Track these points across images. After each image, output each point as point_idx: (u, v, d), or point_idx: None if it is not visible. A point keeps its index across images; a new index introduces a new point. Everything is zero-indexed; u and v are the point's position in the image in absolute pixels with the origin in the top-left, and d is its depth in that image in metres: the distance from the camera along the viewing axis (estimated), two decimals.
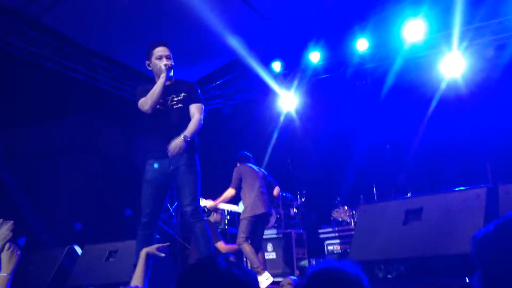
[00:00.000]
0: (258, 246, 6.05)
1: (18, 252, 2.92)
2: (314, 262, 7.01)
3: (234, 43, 7.95)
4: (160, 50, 4.14)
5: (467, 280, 3.58)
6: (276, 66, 9.08)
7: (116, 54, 8.23)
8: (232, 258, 6.76)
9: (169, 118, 4.10)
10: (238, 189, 6.14)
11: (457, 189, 4.39)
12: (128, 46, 7.68)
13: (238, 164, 6.40)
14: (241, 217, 6.04)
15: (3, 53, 7.17)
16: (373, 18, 7.97)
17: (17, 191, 6.93)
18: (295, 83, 9.15)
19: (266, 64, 9.06)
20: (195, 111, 4.13)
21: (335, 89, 8.83)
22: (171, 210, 9.00)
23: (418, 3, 7.47)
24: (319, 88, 9.06)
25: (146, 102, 4.07)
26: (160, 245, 3.49)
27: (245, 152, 6.55)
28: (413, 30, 7.66)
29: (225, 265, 1.42)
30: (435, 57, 7.99)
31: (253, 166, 6.32)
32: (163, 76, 4.05)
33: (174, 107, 4.12)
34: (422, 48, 7.98)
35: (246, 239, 5.80)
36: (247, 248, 5.75)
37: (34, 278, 5.81)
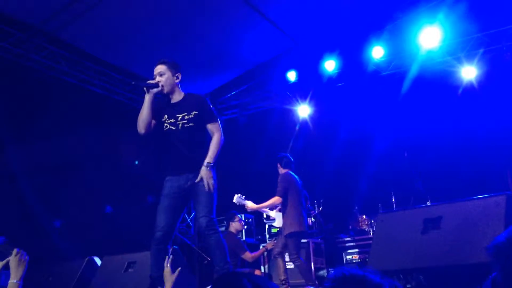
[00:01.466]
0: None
1: (26, 258, 2.94)
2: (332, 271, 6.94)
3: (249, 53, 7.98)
4: (155, 69, 4.12)
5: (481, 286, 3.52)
6: (291, 75, 9.10)
7: (133, 68, 8.33)
8: (258, 271, 6.76)
9: (180, 137, 4.03)
10: (285, 198, 5.93)
11: (476, 197, 4.34)
12: (144, 60, 7.77)
13: (281, 169, 6.17)
14: (286, 232, 5.89)
15: (23, 68, 7.31)
16: (388, 25, 7.94)
17: (36, 202, 7.02)
18: (311, 92, 9.16)
19: (282, 73, 9.08)
20: (214, 130, 4.09)
21: (351, 97, 8.80)
22: (188, 220, 9.03)
23: (434, 10, 7.42)
24: (334, 97, 9.05)
25: (138, 125, 4.06)
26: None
27: (289, 156, 6.30)
28: (429, 37, 7.60)
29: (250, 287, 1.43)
30: (451, 63, 7.93)
31: (296, 178, 6.11)
32: (146, 96, 4.03)
33: (185, 125, 4.04)
34: (438, 55, 7.93)
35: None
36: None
37: None
